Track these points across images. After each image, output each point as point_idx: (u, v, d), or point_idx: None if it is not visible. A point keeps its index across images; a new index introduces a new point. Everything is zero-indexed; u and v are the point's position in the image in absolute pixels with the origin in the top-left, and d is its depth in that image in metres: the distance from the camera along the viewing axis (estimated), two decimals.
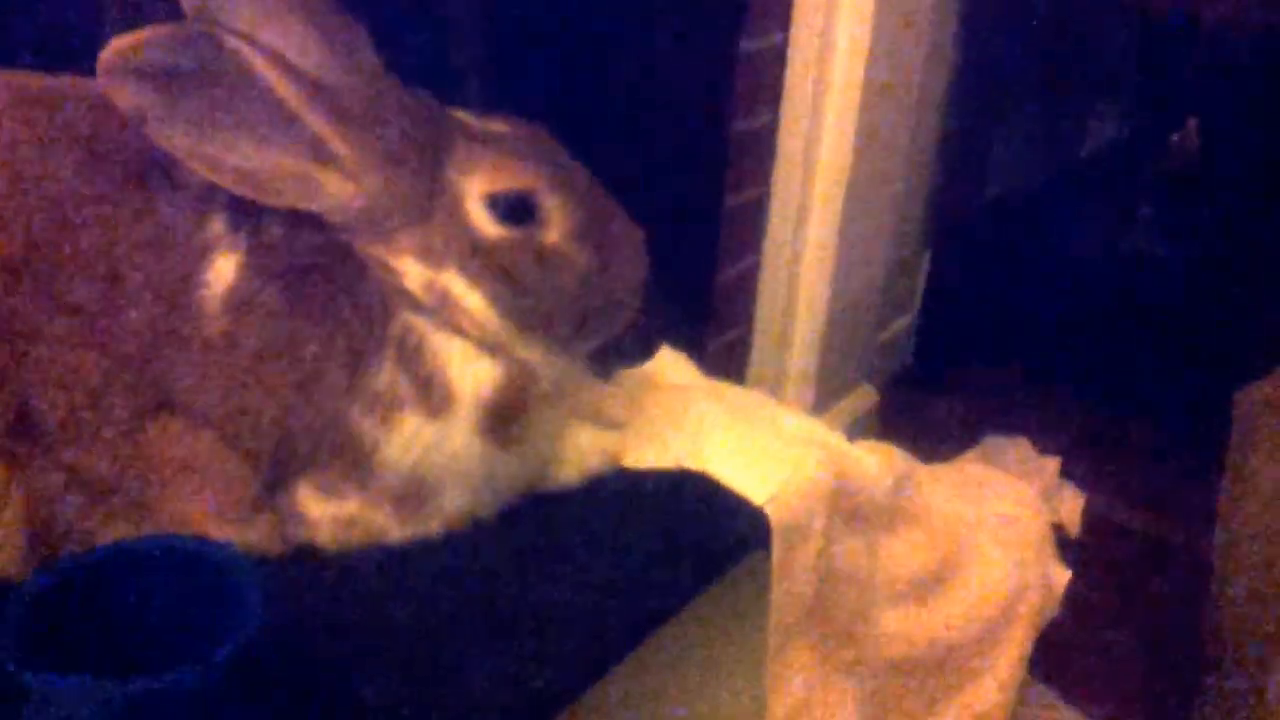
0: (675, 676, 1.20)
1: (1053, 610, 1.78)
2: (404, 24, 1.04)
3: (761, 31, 2.02)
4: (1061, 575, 1.81)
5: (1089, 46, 3.31)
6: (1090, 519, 2.40)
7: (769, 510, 1.17)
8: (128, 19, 0.94)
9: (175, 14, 0.97)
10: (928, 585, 1.44)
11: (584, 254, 1.06)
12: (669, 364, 1.46)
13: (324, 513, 1.04)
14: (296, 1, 0.98)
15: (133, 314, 0.95)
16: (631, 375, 1.38)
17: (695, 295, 2.12)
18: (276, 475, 1.02)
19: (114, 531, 0.99)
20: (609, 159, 1.12)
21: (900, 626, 1.40)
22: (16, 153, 0.95)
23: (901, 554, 1.39)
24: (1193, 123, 3.11)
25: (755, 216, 2.22)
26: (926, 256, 3.00)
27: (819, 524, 1.21)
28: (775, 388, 2.38)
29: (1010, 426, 2.64)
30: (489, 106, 1.11)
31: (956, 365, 3.04)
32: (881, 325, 2.81)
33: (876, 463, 1.34)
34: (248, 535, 1.02)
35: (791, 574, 1.19)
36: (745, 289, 2.29)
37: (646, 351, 1.44)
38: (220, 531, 1.01)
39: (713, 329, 2.20)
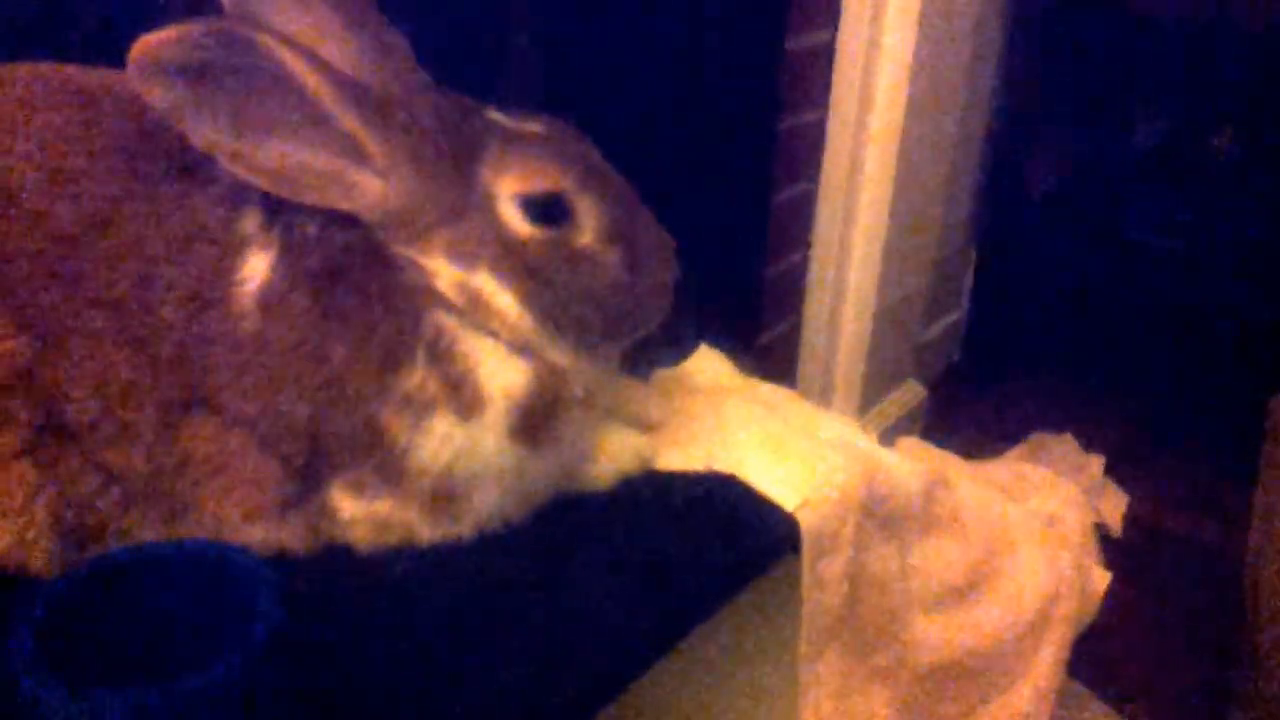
0: (705, 682, 1.19)
1: (1091, 613, 1.76)
2: (443, 21, 1.04)
3: (809, 29, 2.01)
4: (1101, 578, 1.79)
5: (1135, 45, 3.27)
6: (1131, 521, 2.37)
7: (799, 516, 1.16)
8: (164, 13, 0.94)
9: (213, 10, 0.97)
10: (961, 591, 1.43)
11: (615, 256, 1.06)
12: (704, 364, 1.45)
13: (356, 512, 1.05)
14: (333, 2, 0.98)
15: (165, 311, 0.96)
16: (665, 376, 1.37)
17: (744, 290, 2.11)
18: (309, 474, 1.02)
19: (148, 530, 1.00)
20: (659, 155, 1.11)
21: (934, 633, 1.38)
22: (50, 148, 0.96)
23: (934, 560, 1.37)
24: (1229, 129, 3.07)
25: (804, 212, 2.21)
26: (974, 253, 2.98)
27: (849, 531, 1.20)
28: (823, 383, 2.38)
29: (1056, 424, 2.62)
30: (532, 105, 1.11)
31: (1003, 362, 3.02)
32: (929, 321, 2.80)
33: (909, 469, 1.32)
34: (280, 534, 1.03)
35: (822, 581, 1.18)
36: (794, 284, 2.28)
37: (678, 353, 1.43)
38: (253, 530, 1.02)
39: (761, 323, 2.20)
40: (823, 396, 2.39)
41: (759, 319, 2.18)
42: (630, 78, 1.62)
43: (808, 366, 2.38)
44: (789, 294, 2.28)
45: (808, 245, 2.26)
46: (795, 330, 2.34)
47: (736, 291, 2.08)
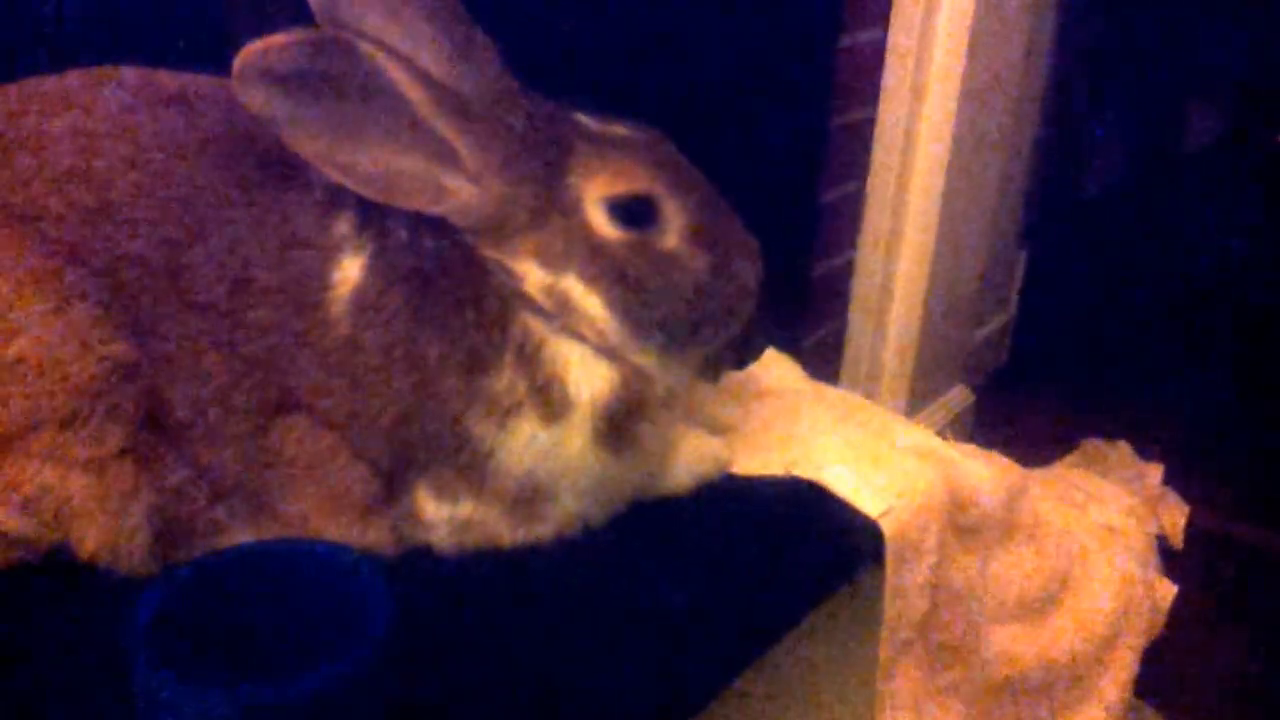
0: (782, 692, 1.18)
1: (1158, 627, 1.74)
2: (509, 26, 1.03)
3: (861, 26, 2.00)
4: (1167, 590, 1.76)
5: (1190, 42, 3.24)
6: (1193, 530, 2.34)
7: (884, 524, 1.15)
8: (257, 21, 0.93)
9: (304, 17, 0.97)
10: (1038, 603, 1.41)
11: (701, 258, 1.05)
12: (775, 367, 1.44)
13: (440, 515, 1.04)
14: (423, 6, 0.98)
15: (259, 313, 0.96)
16: (739, 380, 1.36)
17: (791, 290, 2.10)
18: (394, 476, 1.02)
19: (237, 529, 1.01)
20: (708, 153, 1.10)
21: (1010, 645, 1.37)
22: (148, 152, 0.97)
23: (1012, 570, 1.36)
24: None
25: (852, 211, 2.19)
26: (1023, 254, 2.96)
27: (932, 539, 1.19)
28: (869, 386, 2.36)
29: (1108, 429, 2.59)
30: (601, 108, 1.10)
31: (1053, 366, 2.99)
32: (977, 324, 2.78)
33: (991, 476, 1.31)
34: (365, 536, 1.03)
35: (904, 590, 1.17)
36: (840, 284, 2.26)
37: (754, 356, 1.42)
38: (338, 531, 1.02)
39: (807, 324, 2.18)
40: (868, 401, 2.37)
41: (804, 320, 2.17)
42: (682, 75, 1.61)
43: (853, 370, 2.37)
44: (835, 295, 2.27)
45: (854, 246, 2.25)
46: (840, 332, 2.33)
47: (782, 292, 2.07)
